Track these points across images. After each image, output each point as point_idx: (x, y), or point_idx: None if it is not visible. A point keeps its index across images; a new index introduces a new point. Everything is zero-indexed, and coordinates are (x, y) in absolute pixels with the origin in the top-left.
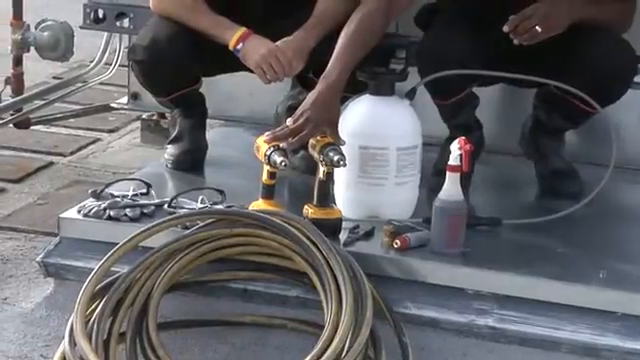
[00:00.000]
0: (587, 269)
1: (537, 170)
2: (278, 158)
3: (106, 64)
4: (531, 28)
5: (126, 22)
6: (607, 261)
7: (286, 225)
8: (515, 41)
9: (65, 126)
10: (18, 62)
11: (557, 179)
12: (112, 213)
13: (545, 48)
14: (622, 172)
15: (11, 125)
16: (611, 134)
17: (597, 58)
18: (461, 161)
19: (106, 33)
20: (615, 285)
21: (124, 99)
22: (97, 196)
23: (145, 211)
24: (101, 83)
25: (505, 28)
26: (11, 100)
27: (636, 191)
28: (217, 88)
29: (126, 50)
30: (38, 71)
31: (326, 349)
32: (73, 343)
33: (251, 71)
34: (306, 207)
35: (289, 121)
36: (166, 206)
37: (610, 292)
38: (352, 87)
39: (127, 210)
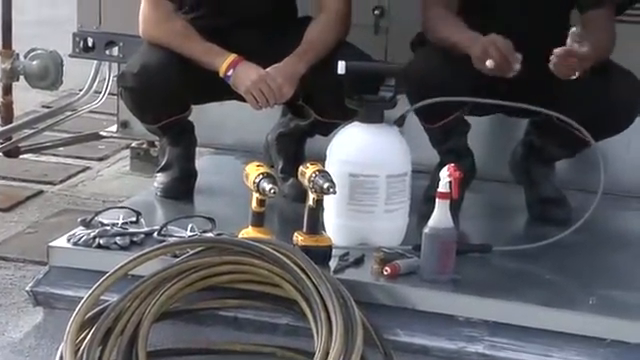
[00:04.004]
0: (577, 295)
1: (527, 197)
2: (267, 185)
3: (95, 92)
4: (571, 68)
5: (115, 50)
6: (597, 287)
7: (276, 253)
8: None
9: (54, 154)
10: (7, 91)
11: (546, 206)
12: (102, 241)
13: (539, 77)
14: (611, 199)
15: (0, 154)
16: (599, 161)
17: (604, 93)
18: (450, 188)
19: (95, 61)
20: (605, 311)
21: (113, 127)
22: (87, 224)
23: (135, 239)
24: (90, 111)
25: (552, 64)
26: (0, 129)
27: (625, 217)
28: (207, 116)
29: (115, 78)
30: (27, 100)
31: None
32: None
33: (242, 98)
34: (296, 234)
35: None
36: (156, 234)
37: (600, 318)
38: (342, 114)
39: (117, 238)
